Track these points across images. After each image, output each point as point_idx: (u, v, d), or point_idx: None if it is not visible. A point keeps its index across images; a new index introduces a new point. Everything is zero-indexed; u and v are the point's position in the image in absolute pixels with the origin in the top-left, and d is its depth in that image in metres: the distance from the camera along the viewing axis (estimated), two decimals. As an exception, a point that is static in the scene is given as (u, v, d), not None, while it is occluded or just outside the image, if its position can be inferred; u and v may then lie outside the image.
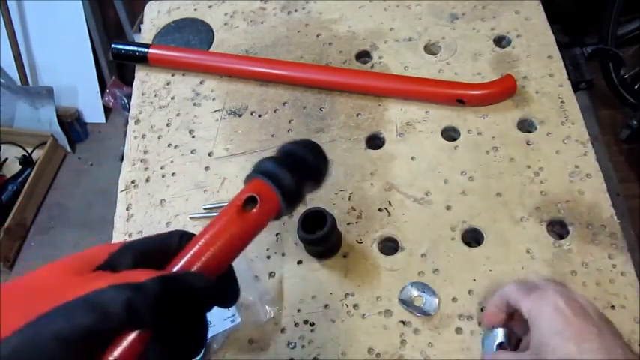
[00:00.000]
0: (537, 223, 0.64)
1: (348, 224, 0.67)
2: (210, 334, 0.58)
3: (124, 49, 0.83)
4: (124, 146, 0.79)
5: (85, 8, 1.87)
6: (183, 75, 0.83)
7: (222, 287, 0.35)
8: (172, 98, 0.81)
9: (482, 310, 0.59)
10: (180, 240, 0.36)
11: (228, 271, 0.36)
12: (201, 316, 0.34)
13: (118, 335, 0.29)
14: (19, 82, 1.94)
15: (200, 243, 0.35)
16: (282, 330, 0.61)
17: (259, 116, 0.78)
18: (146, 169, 0.75)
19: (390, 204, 0.68)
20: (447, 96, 0.73)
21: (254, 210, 0.36)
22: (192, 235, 0.36)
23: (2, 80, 1.96)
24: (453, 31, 0.81)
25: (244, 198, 0.36)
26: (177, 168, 0.75)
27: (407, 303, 0.60)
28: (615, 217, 0.63)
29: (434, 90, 0.74)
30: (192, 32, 0.88)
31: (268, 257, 0.66)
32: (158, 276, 0.30)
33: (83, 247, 0.34)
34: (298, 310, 0.61)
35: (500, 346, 0.53)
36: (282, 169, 0.37)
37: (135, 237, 0.70)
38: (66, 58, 1.96)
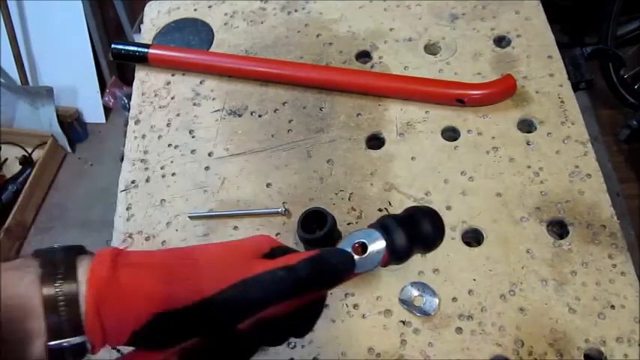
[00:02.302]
0: (537, 223, 0.64)
1: (348, 224, 0.67)
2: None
3: (124, 49, 0.83)
4: (124, 146, 0.79)
5: (85, 8, 1.87)
6: (183, 75, 0.83)
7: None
8: (172, 98, 0.81)
9: (482, 310, 0.59)
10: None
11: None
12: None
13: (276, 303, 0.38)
14: (19, 82, 1.94)
15: None
16: None
17: (259, 116, 0.78)
18: (146, 169, 0.75)
19: (390, 204, 0.68)
20: (447, 96, 0.73)
21: (362, 255, 0.42)
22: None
23: (2, 80, 1.96)
24: (453, 31, 0.81)
25: (359, 243, 0.42)
26: (177, 168, 0.75)
27: (407, 303, 0.60)
28: (615, 217, 0.63)
29: (434, 90, 0.74)
30: (192, 32, 0.88)
31: (268, 257, 0.66)
32: (306, 258, 0.39)
33: None
34: None
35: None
36: (400, 230, 0.42)
37: (135, 237, 0.70)
38: (66, 58, 1.96)
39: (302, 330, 0.43)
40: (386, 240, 0.41)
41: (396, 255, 0.42)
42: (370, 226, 0.44)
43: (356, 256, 0.41)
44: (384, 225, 0.43)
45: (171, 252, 0.40)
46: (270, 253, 0.42)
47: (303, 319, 0.42)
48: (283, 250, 0.43)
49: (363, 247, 0.41)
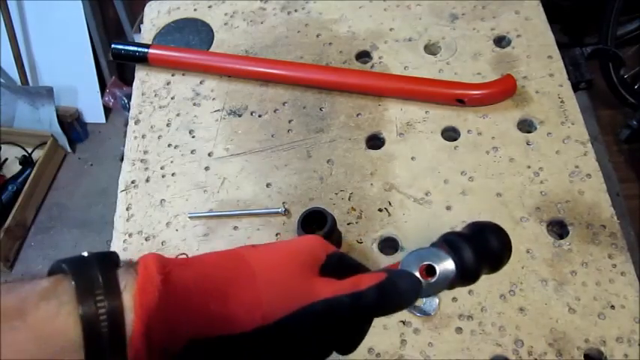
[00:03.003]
0: (537, 223, 0.64)
1: (348, 224, 0.67)
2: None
3: (124, 49, 0.83)
4: (124, 146, 0.79)
5: (85, 8, 1.87)
6: (183, 75, 0.83)
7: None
8: (172, 98, 0.81)
9: (482, 310, 0.59)
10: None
11: None
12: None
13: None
14: (19, 82, 1.94)
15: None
16: None
17: (259, 116, 0.78)
18: (146, 169, 0.75)
19: (390, 204, 0.68)
20: (447, 96, 0.73)
21: (430, 279, 0.38)
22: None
23: (2, 80, 1.96)
24: (453, 31, 0.81)
25: (426, 265, 0.38)
26: (177, 168, 0.75)
27: (407, 303, 0.60)
28: (615, 217, 0.63)
29: (434, 90, 0.74)
30: (192, 32, 0.88)
31: (268, 257, 0.66)
32: (375, 285, 0.36)
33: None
34: None
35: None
36: (468, 247, 0.38)
37: (135, 237, 0.70)
38: (66, 58, 1.96)
39: (348, 347, 0.39)
40: (454, 260, 0.38)
41: (465, 276, 0.38)
42: (434, 245, 0.40)
43: (422, 280, 0.37)
44: (450, 242, 0.39)
45: (223, 262, 0.36)
46: (327, 261, 0.39)
47: (350, 337, 0.39)
48: (338, 258, 0.40)
49: (429, 270, 0.38)
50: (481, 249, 0.39)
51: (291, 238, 0.42)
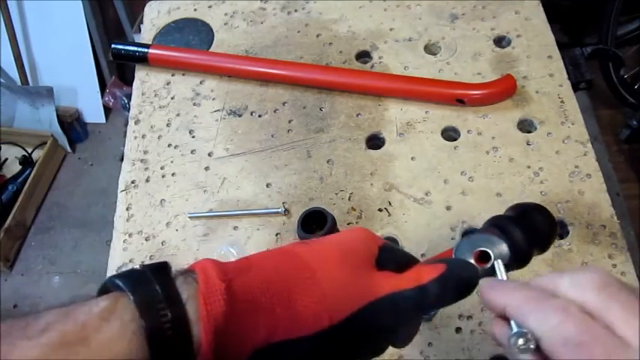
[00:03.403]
0: (537, 223, 0.64)
1: (348, 224, 0.67)
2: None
3: (124, 49, 0.83)
4: (124, 146, 0.79)
5: (85, 8, 1.87)
6: (183, 75, 0.83)
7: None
8: (172, 98, 0.81)
9: (482, 310, 0.59)
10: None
11: None
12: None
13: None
14: (19, 82, 1.94)
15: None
16: None
17: (259, 116, 0.78)
18: (146, 169, 0.75)
19: (390, 204, 0.68)
20: (447, 96, 0.73)
21: (484, 265, 0.38)
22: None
23: (2, 80, 1.96)
24: (453, 31, 0.81)
25: (480, 252, 0.38)
26: (177, 168, 0.75)
27: (407, 303, 0.60)
28: (615, 217, 0.63)
29: (434, 90, 0.74)
30: (192, 32, 0.88)
31: (268, 257, 0.66)
32: (438, 278, 0.35)
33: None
34: None
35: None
36: (518, 229, 0.38)
37: (135, 237, 0.70)
38: (66, 58, 1.96)
39: (404, 341, 0.39)
40: (506, 243, 0.37)
41: (518, 258, 0.38)
42: (482, 230, 0.39)
43: (478, 267, 0.37)
44: (499, 226, 0.39)
45: (282, 260, 0.35)
46: (380, 253, 0.38)
47: (408, 330, 0.39)
48: (390, 250, 0.39)
49: (483, 256, 0.37)
50: (530, 229, 0.38)
51: (339, 232, 0.41)
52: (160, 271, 0.31)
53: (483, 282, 0.34)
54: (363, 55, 0.82)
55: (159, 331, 0.28)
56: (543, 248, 0.40)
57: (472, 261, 0.37)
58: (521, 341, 0.30)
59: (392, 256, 0.38)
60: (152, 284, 0.29)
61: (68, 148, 2.02)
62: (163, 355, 0.28)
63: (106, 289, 0.31)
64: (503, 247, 0.37)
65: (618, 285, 0.28)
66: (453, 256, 0.38)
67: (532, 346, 0.29)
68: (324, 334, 0.32)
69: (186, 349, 0.29)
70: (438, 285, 0.35)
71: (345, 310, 0.33)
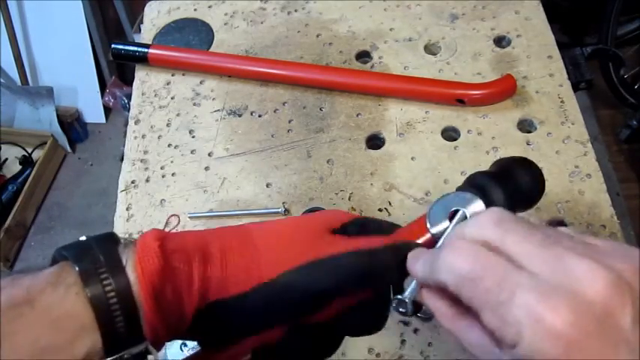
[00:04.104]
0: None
1: (348, 224, 0.67)
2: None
3: (124, 49, 0.83)
4: (124, 146, 0.79)
5: (85, 8, 1.87)
6: (183, 75, 0.83)
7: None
8: (172, 98, 0.81)
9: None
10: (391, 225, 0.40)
11: None
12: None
13: (348, 293, 0.34)
14: (19, 82, 1.94)
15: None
16: None
17: (259, 116, 0.78)
18: (146, 169, 0.75)
19: (390, 204, 0.68)
20: (447, 96, 0.73)
21: None
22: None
23: (2, 80, 1.96)
24: (453, 31, 0.81)
25: (454, 212, 0.35)
26: (177, 168, 0.75)
27: (407, 303, 0.60)
28: (615, 217, 0.63)
29: (434, 90, 0.74)
30: (192, 32, 0.88)
31: (268, 257, 0.66)
32: (390, 244, 0.34)
33: None
34: None
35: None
36: (497, 187, 0.36)
37: (135, 237, 0.70)
38: (66, 58, 1.96)
39: (357, 326, 0.37)
40: (483, 201, 0.34)
41: None
42: (459, 189, 0.37)
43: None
44: (477, 185, 0.36)
45: (224, 232, 0.36)
46: (342, 229, 0.37)
47: (358, 314, 0.37)
48: (359, 224, 0.37)
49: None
50: (512, 187, 0.36)
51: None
52: (103, 239, 0.32)
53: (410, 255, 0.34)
54: (363, 55, 0.82)
55: (101, 294, 0.29)
56: (527, 206, 0.38)
57: (446, 222, 0.35)
58: (400, 308, 0.32)
59: (359, 230, 0.37)
60: (95, 251, 0.30)
61: (68, 148, 2.02)
62: (108, 317, 0.29)
63: (55, 260, 0.32)
64: (479, 205, 0.34)
65: (514, 219, 0.29)
66: (427, 219, 0.36)
67: (404, 310, 0.32)
68: (260, 293, 0.32)
69: (130, 309, 0.29)
70: (391, 253, 0.34)
71: (278, 269, 0.32)
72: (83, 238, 0.32)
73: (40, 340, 0.27)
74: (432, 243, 0.35)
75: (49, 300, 0.28)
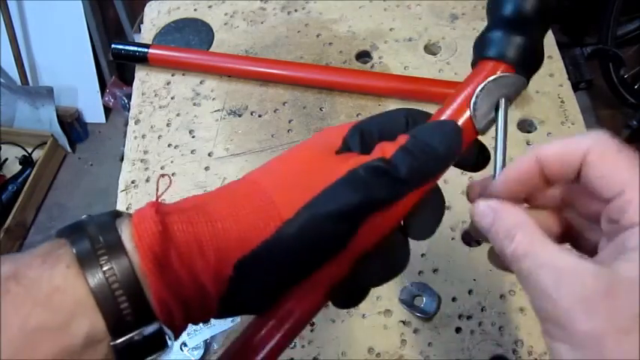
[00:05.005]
0: (537, 223, 0.64)
1: (348, 224, 0.67)
2: (210, 334, 0.58)
3: (124, 49, 0.83)
4: (124, 146, 0.79)
5: (85, 8, 1.87)
6: (183, 75, 0.83)
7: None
8: (172, 98, 0.81)
9: (482, 310, 0.59)
10: (406, 119, 0.34)
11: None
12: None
13: (379, 210, 0.30)
14: (19, 82, 1.94)
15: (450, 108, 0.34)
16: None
17: (259, 116, 0.78)
18: (146, 169, 0.75)
19: (390, 204, 0.68)
20: (447, 96, 0.73)
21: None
22: (418, 112, 0.35)
23: (2, 80, 1.96)
24: (453, 31, 0.81)
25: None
26: (177, 168, 0.75)
27: (407, 303, 0.60)
28: (615, 217, 0.63)
29: (434, 90, 0.74)
30: (192, 32, 0.88)
31: (268, 257, 0.66)
32: (400, 148, 0.30)
33: None
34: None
35: None
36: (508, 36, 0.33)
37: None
38: (66, 58, 1.96)
39: (423, 230, 0.33)
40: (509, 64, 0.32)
41: (524, 68, 0.33)
42: (482, 53, 0.34)
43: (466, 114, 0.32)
44: (491, 45, 0.34)
45: (226, 186, 0.32)
46: (344, 146, 0.33)
47: (423, 216, 0.33)
48: (358, 133, 0.33)
49: None
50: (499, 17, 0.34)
51: None
52: (101, 216, 0.28)
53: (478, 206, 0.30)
54: (363, 55, 0.82)
55: (94, 261, 0.25)
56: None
57: (492, 113, 0.32)
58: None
59: (360, 140, 0.33)
60: (91, 227, 0.27)
61: (68, 148, 2.02)
62: (106, 293, 0.25)
63: None
64: (523, 84, 0.32)
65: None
66: (471, 112, 0.33)
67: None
68: (285, 234, 0.28)
69: (131, 285, 0.26)
70: (404, 156, 0.30)
71: (297, 204, 0.29)
72: (84, 216, 0.28)
73: (30, 319, 0.23)
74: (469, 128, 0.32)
75: (35, 274, 0.25)
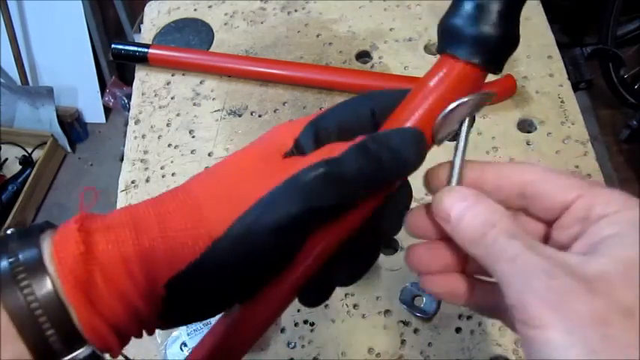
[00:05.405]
0: (537, 223, 0.64)
1: (348, 224, 0.67)
2: (210, 334, 0.58)
3: (124, 49, 0.83)
4: (124, 146, 0.79)
5: (85, 8, 1.87)
6: (183, 75, 0.83)
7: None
8: (172, 98, 0.81)
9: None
10: (372, 113, 0.30)
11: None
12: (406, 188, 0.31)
13: (328, 218, 0.27)
14: (19, 82, 1.94)
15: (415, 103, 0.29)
16: (282, 330, 0.61)
17: (259, 116, 0.78)
18: (146, 169, 0.75)
19: (390, 204, 0.68)
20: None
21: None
22: (387, 99, 0.31)
23: (2, 80, 1.96)
24: (453, 31, 0.81)
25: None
26: (177, 168, 0.75)
27: (407, 303, 0.60)
28: (615, 217, 0.63)
29: (434, 90, 0.74)
30: (192, 32, 0.88)
31: (268, 257, 0.66)
32: (353, 145, 0.27)
33: None
34: (298, 310, 0.61)
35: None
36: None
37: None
38: (66, 58, 1.96)
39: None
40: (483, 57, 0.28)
41: (492, 56, 0.29)
42: (445, 48, 0.29)
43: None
44: (452, 35, 0.29)
45: (160, 197, 0.29)
46: (296, 146, 0.29)
47: (388, 212, 0.30)
48: (311, 131, 0.30)
49: None
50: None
51: None
52: (26, 232, 0.26)
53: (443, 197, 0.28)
54: (363, 55, 0.82)
55: (17, 296, 0.23)
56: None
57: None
58: None
59: (314, 140, 0.29)
60: (12, 246, 0.25)
61: (68, 148, 2.02)
62: (29, 321, 0.23)
63: None
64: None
65: None
66: None
67: None
68: (213, 254, 0.26)
69: (56, 313, 0.24)
70: (357, 155, 0.27)
71: (228, 219, 0.26)
72: (10, 231, 0.26)
73: None
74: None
75: None
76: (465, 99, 0.29)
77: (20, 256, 0.24)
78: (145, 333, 0.28)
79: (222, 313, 0.30)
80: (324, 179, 0.26)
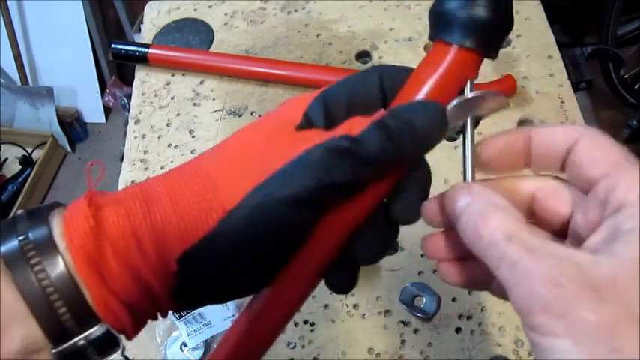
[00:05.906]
0: (537, 223, 0.64)
1: (348, 224, 0.67)
2: (210, 334, 0.58)
3: (124, 49, 0.83)
4: (124, 146, 0.79)
5: (85, 8, 1.87)
6: (183, 75, 0.83)
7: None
8: (172, 98, 0.81)
9: (482, 310, 0.59)
10: (380, 82, 0.30)
11: None
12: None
13: (345, 195, 0.27)
14: (19, 82, 1.94)
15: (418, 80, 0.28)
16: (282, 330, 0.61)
17: (259, 116, 0.78)
18: (146, 169, 0.75)
19: (390, 204, 0.68)
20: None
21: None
22: (395, 70, 0.30)
23: (2, 80, 1.96)
24: (453, 31, 0.81)
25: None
26: (177, 168, 0.75)
27: (407, 303, 0.60)
28: (615, 217, 0.63)
29: (434, 90, 0.74)
30: (192, 32, 0.88)
31: (268, 257, 0.66)
32: (374, 122, 0.26)
33: None
34: (298, 310, 0.61)
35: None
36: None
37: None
38: (66, 58, 1.96)
39: (406, 211, 0.31)
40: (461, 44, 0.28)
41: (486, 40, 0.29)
42: (438, 34, 0.28)
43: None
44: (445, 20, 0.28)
45: (170, 172, 0.29)
46: (306, 120, 0.28)
47: (404, 196, 0.30)
48: (321, 104, 0.29)
49: None
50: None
51: None
52: (35, 210, 0.26)
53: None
54: (363, 55, 0.82)
55: (28, 274, 0.23)
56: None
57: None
58: None
59: (324, 113, 0.28)
60: (22, 225, 0.25)
61: (68, 148, 2.02)
62: (40, 298, 0.23)
63: None
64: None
65: None
66: None
67: None
68: (227, 227, 0.25)
69: (67, 289, 0.23)
70: (377, 133, 0.26)
71: (241, 192, 0.25)
72: (20, 212, 0.26)
73: None
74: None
75: None
76: (470, 95, 0.29)
77: (30, 235, 0.24)
78: (159, 316, 0.27)
79: (245, 307, 0.30)
80: (343, 156, 0.25)
